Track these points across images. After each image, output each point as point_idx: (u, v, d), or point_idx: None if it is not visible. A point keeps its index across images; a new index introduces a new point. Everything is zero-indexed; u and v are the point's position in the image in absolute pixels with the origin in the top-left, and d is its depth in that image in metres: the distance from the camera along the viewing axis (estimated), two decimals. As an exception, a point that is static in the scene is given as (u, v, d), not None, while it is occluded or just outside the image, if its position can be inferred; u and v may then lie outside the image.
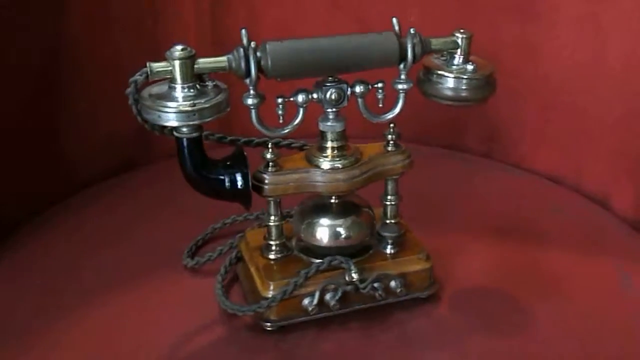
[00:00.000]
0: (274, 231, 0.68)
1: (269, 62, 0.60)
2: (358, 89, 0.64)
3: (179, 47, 0.59)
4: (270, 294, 0.65)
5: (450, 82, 0.64)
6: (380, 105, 0.64)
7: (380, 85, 0.64)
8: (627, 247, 0.80)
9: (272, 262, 0.68)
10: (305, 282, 0.65)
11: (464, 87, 0.64)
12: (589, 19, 0.86)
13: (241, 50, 0.60)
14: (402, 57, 0.63)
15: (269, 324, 0.66)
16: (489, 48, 0.93)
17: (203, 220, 0.79)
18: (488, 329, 0.67)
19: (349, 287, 0.66)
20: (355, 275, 0.65)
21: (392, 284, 0.67)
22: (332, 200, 0.69)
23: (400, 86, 0.64)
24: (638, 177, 0.84)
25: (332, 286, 0.66)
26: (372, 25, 0.97)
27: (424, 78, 0.66)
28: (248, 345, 0.66)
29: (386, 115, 0.66)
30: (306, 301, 0.66)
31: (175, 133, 0.61)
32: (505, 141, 0.96)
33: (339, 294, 0.66)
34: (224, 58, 0.61)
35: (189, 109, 0.58)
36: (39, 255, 0.78)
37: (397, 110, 0.65)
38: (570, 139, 0.91)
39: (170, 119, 0.59)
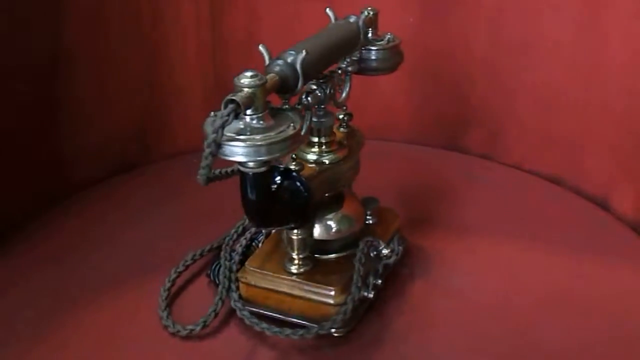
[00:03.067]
0: (297, 244, 0.66)
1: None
2: (336, 78, 0.65)
3: (248, 74, 0.53)
4: (334, 300, 0.64)
5: (372, 54, 0.69)
6: (339, 90, 0.67)
7: (340, 71, 0.66)
8: (626, 248, 0.80)
9: (304, 274, 0.66)
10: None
11: (373, 58, 0.69)
12: (589, 19, 0.85)
13: (281, 62, 0.57)
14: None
15: (334, 329, 0.64)
16: (489, 48, 0.94)
17: (201, 222, 0.79)
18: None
19: (391, 260, 0.68)
20: (386, 250, 0.67)
21: (392, 244, 0.71)
22: (327, 194, 0.68)
23: (349, 68, 0.67)
24: (638, 178, 0.84)
25: (376, 266, 0.67)
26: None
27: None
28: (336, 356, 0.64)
29: (341, 97, 0.68)
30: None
31: (240, 167, 0.55)
32: (505, 141, 0.96)
33: (381, 270, 0.67)
34: (273, 75, 0.56)
35: (261, 143, 0.52)
36: (37, 256, 0.78)
37: (348, 90, 0.67)
38: (570, 140, 0.90)
39: (238, 154, 0.52)
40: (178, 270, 0.73)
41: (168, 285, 0.71)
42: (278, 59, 0.58)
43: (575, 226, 0.83)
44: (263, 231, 0.72)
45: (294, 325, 0.64)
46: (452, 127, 0.99)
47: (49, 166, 0.88)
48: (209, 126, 0.53)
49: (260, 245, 0.71)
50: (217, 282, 0.70)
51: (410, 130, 1.00)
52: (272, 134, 0.53)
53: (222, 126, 0.52)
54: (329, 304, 0.64)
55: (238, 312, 0.66)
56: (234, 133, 0.53)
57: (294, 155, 0.64)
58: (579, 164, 0.90)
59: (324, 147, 0.66)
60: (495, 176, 0.94)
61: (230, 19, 0.98)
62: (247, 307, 0.66)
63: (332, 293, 0.64)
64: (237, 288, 0.68)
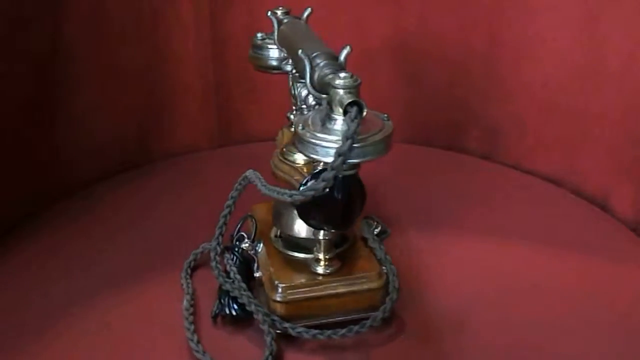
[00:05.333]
0: (324, 245, 0.65)
1: None
2: (310, 99, 0.64)
3: (346, 75, 0.53)
4: (377, 284, 0.65)
5: (276, 53, 0.71)
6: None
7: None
8: (626, 248, 0.80)
9: (338, 271, 0.65)
10: None
11: (277, 56, 0.71)
12: (588, 19, 0.85)
13: (327, 62, 0.57)
14: None
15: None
16: (489, 48, 0.94)
17: (201, 222, 0.79)
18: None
19: (386, 236, 0.72)
20: (377, 230, 0.70)
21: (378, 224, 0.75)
22: None
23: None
24: (637, 178, 0.84)
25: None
26: (370, 26, 0.97)
27: (252, 54, 0.73)
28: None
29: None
30: None
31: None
32: (504, 142, 0.96)
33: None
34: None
35: (357, 145, 0.52)
36: (36, 256, 0.78)
37: None
38: (569, 140, 0.90)
39: (330, 155, 0.52)
40: (191, 322, 0.66)
41: (195, 338, 0.64)
42: (319, 61, 0.58)
43: (574, 227, 0.83)
44: (239, 251, 0.70)
45: (348, 323, 0.64)
46: (451, 127, 0.99)
47: (49, 166, 0.88)
48: (309, 133, 0.53)
49: (257, 265, 0.69)
50: (235, 314, 0.66)
51: (408, 130, 1.00)
52: (363, 135, 0.52)
53: (356, 130, 0.51)
54: (374, 289, 0.65)
55: (292, 332, 0.63)
56: (327, 133, 0.53)
57: (280, 157, 0.66)
58: (578, 164, 0.90)
59: None
60: (494, 176, 0.94)
61: (230, 18, 0.98)
62: (297, 324, 0.63)
63: (375, 277, 0.65)
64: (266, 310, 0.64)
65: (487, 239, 0.79)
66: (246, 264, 0.69)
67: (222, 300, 0.66)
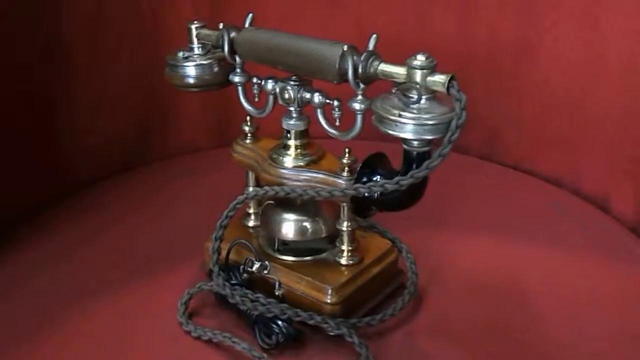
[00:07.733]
0: (347, 237, 0.66)
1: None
2: (317, 99, 0.63)
3: (423, 57, 0.55)
4: (396, 257, 0.70)
5: (193, 71, 0.69)
6: (337, 123, 0.62)
7: (336, 103, 0.62)
8: (626, 248, 0.80)
9: (363, 258, 0.67)
10: None
11: (211, 71, 0.69)
12: (589, 19, 0.86)
13: (367, 53, 0.58)
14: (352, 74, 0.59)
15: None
16: (489, 48, 0.94)
17: (200, 223, 0.79)
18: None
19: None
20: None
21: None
22: None
23: (355, 105, 0.60)
24: (637, 178, 0.84)
25: None
26: (370, 27, 0.97)
27: (170, 73, 0.70)
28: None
29: (344, 135, 0.62)
30: None
31: (404, 146, 0.57)
32: (504, 142, 0.96)
33: None
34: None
35: (431, 122, 0.54)
36: (36, 256, 0.78)
37: (354, 132, 0.61)
38: (569, 140, 0.90)
39: (407, 131, 0.54)
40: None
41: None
42: (355, 55, 0.58)
43: (574, 227, 0.83)
44: (240, 277, 0.68)
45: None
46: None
47: (49, 166, 0.88)
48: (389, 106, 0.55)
49: (278, 283, 0.67)
50: (294, 334, 0.63)
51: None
52: (437, 113, 0.54)
53: (460, 114, 0.54)
54: (394, 261, 0.69)
55: (361, 325, 0.64)
56: (402, 110, 0.54)
57: (278, 165, 0.66)
58: (578, 164, 0.90)
59: (299, 149, 0.66)
60: (494, 177, 0.94)
61: (230, 18, 0.97)
62: (361, 319, 0.65)
63: (392, 250, 0.69)
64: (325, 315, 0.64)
65: (486, 239, 0.80)
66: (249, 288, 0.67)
67: (274, 325, 0.63)
